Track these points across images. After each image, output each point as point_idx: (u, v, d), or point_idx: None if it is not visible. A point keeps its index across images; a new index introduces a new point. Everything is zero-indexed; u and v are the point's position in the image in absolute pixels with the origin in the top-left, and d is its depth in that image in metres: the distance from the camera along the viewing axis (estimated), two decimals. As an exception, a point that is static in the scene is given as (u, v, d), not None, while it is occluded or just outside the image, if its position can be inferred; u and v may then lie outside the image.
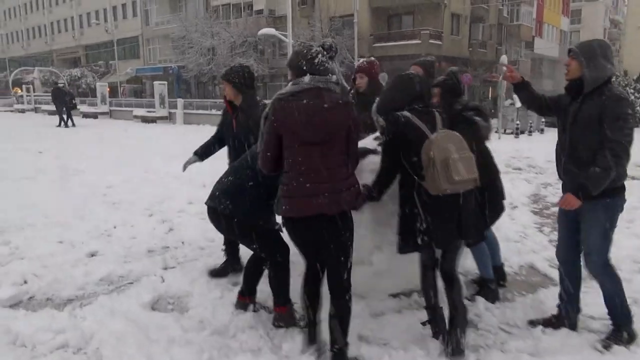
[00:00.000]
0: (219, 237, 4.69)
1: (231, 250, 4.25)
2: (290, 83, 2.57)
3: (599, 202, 2.86)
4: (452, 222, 2.78)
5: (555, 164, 3.13)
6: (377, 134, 3.45)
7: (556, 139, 3.10)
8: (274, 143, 2.54)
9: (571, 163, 2.94)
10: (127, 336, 3.04)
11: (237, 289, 3.66)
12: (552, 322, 3.26)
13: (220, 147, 4.21)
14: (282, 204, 2.56)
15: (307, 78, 2.50)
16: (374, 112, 3.29)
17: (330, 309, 2.70)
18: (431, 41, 28.80)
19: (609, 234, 2.96)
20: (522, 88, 3.28)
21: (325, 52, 2.64)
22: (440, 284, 3.01)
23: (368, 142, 3.54)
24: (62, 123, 21.08)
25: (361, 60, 4.64)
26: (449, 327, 2.92)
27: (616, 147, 2.72)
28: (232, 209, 3.02)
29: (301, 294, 2.83)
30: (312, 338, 2.86)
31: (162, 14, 41.97)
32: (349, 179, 2.61)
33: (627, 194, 2.98)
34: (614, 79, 2.94)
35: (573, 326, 3.21)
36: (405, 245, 2.89)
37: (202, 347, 2.94)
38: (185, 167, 4.19)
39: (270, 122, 2.52)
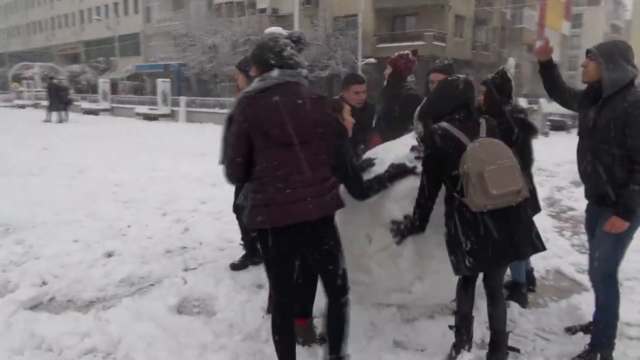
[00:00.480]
0: (237, 238, 4.61)
1: (250, 244, 4.21)
2: (257, 79, 2.30)
3: None
4: (498, 242, 2.50)
5: (576, 166, 2.92)
6: (415, 142, 3.17)
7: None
8: (245, 147, 2.25)
9: (593, 169, 2.78)
10: (157, 341, 2.95)
11: (263, 291, 3.58)
12: (590, 329, 3.17)
13: None
14: (256, 214, 2.26)
15: (275, 72, 2.25)
16: (416, 118, 3.15)
17: (326, 313, 2.51)
18: (435, 43, 28.71)
19: (622, 246, 2.77)
20: (548, 69, 3.08)
21: (294, 44, 2.38)
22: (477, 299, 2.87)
23: (405, 153, 3.16)
24: (54, 117, 20.65)
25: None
26: (488, 354, 2.77)
27: None
28: None
29: (272, 334, 2.52)
30: None
31: (164, 10, 41.82)
32: (331, 180, 2.38)
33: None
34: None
35: None
36: (459, 267, 2.62)
37: (236, 353, 2.86)
38: None
39: (239, 123, 2.24)
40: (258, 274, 3.97)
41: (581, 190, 2.99)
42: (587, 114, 2.81)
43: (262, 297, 3.55)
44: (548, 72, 3.10)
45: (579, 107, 2.95)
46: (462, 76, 2.71)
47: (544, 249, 2.67)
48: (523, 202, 2.56)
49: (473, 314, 2.88)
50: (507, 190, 2.41)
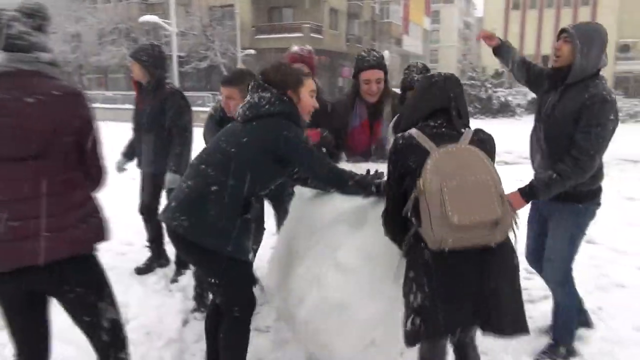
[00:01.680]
0: (137, 241, 4.40)
1: (156, 246, 4.05)
2: None
3: (570, 206, 2.54)
4: (454, 300, 1.75)
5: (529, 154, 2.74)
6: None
7: None
8: None
9: (547, 160, 2.57)
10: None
11: (178, 294, 3.50)
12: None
13: None
14: None
15: None
16: (390, 132, 2.61)
17: None
18: (312, 35, 29.41)
19: (575, 242, 2.63)
20: (504, 50, 2.80)
21: (26, 19, 1.75)
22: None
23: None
24: None
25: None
26: None
27: (581, 156, 2.33)
28: (187, 226, 2.10)
29: None
30: None
31: (13, -6, 37.33)
32: (83, 207, 1.81)
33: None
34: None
35: None
36: (404, 330, 1.86)
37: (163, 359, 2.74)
38: (119, 171, 3.82)
39: None
40: (168, 276, 3.85)
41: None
42: (545, 99, 2.60)
43: (177, 299, 3.44)
44: (505, 53, 2.82)
45: (538, 90, 2.72)
46: (445, 72, 2.04)
47: (527, 331, 1.86)
48: (507, 245, 1.80)
49: None
50: (475, 220, 1.64)
